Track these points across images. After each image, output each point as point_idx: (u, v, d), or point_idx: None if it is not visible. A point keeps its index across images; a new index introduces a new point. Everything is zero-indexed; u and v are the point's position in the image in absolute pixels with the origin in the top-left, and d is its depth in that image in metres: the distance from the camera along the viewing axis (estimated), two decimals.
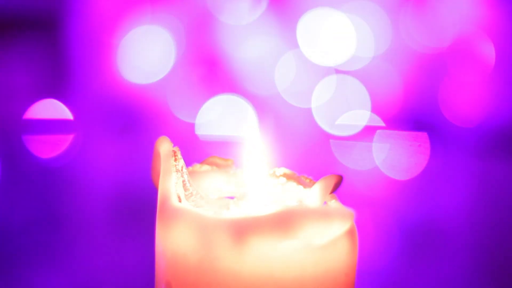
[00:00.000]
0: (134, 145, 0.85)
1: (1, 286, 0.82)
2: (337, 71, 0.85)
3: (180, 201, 0.45)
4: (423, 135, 0.85)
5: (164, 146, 0.46)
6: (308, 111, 0.85)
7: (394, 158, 0.85)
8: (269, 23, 0.85)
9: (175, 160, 0.46)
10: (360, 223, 0.46)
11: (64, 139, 0.84)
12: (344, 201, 0.48)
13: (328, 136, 0.85)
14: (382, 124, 0.85)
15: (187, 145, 0.76)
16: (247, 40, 0.86)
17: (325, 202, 0.48)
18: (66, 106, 0.84)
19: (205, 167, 0.52)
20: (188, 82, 0.86)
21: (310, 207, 0.43)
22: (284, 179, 0.50)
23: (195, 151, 0.82)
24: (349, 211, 0.43)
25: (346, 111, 0.86)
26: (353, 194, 0.82)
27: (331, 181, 0.47)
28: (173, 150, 0.46)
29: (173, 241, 0.43)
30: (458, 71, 0.86)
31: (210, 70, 0.86)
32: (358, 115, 0.86)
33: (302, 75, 0.86)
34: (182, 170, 0.46)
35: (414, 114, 0.86)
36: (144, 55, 0.85)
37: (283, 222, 0.40)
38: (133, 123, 0.86)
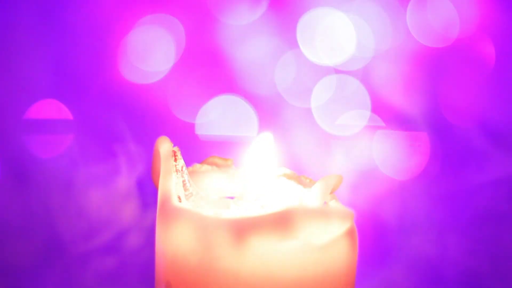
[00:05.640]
0: (134, 145, 0.85)
1: (1, 286, 0.82)
2: (337, 71, 0.85)
3: (180, 201, 0.45)
4: (423, 135, 0.85)
5: (164, 146, 0.46)
6: (308, 111, 0.85)
7: (394, 158, 0.85)
8: (269, 23, 0.85)
9: (175, 160, 0.46)
10: (360, 223, 0.46)
11: (64, 139, 0.84)
12: (344, 201, 0.48)
13: (328, 136, 0.85)
14: (382, 124, 0.85)
15: (187, 145, 0.76)
16: (247, 40, 0.86)
17: (325, 202, 0.48)
18: (66, 106, 0.84)
19: (205, 167, 0.52)
20: (188, 82, 0.86)
21: (310, 207, 0.43)
22: (284, 179, 0.51)
23: (195, 151, 0.82)
24: (349, 211, 0.43)
25: (346, 111, 0.86)
26: (353, 194, 0.82)
27: (331, 181, 0.48)
28: (173, 150, 0.47)
29: (173, 241, 0.43)
30: (458, 71, 0.86)
31: (210, 70, 0.86)
32: (358, 115, 0.86)
33: (302, 75, 0.86)
34: (182, 170, 0.46)
35: (414, 114, 0.86)
36: (144, 55, 0.85)
37: (283, 222, 0.40)
38: (133, 123, 0.86)
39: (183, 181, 0.47)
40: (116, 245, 0.83)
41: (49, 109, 0.84)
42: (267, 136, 0.52)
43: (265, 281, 0.41)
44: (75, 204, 0.84)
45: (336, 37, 0.85)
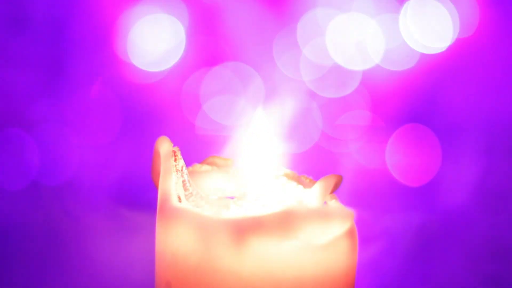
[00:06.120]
0: (134, 145, 0.85)
1: (0, 286, 0.82)
2: (337, 71, 0.85)
3: (180, 201, 0.45)
4: (423, 135, 0.85)
5: (164, 146, 0.46)
6: (308, 111, 0.85)
7: (395, 158, 0.85)
8: (269, 23, 0.85)
9: (175, 160, 0.46)
10: (360, 223, 0.46)
11: (64, 139, 0.84)
12: (344, 201, 0.48)
13: (328, 136, 0.85)
14: (382, 124, 0.85)
15: (187, 145, 0.76)
16: (247, 40, 0.86)
17: (325, 202, 0.48)
18: (66, 106, 0.84)
19: (205, 167, 0.52)
20: (188, 82, 0.86)
21: (310, 207, 0.43)
22: (284, 179, 0.50)
23: (195, 151, 0.82)
24: (349, 211, 0.43)
25: (346, 111, 0.86)
26: (353, 194, 0.82)
27: (331, 181, 0.47)
28: (173, 150, 0.46)
29: (173, 241, 0.43)
30: (458, 71, 0.86)
31: (210, 70, 0.86)
32: (358, 115, 0.86)
33: (302, 75, 0.86)
34: (182, 170, 0.46)
35: (414, 114, 0.86)
36: (144, 55, 0.85)
37: (283, 222, 0.40)
38: (133, 123, 0.86)
39: (183, 181, 0.47)
40: (116, 245, 0.83)
41: (49, 109, 0.84)
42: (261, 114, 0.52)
43: (265, 281, 0.41)
44: (74, 204, 0.84)
45: (336, 37, 0.85)
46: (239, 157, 0.52)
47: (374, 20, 0.85)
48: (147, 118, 0.86)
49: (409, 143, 0.86)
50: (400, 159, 0.85)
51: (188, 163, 0.48)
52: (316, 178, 0.49)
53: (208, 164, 0.52)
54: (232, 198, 0.50)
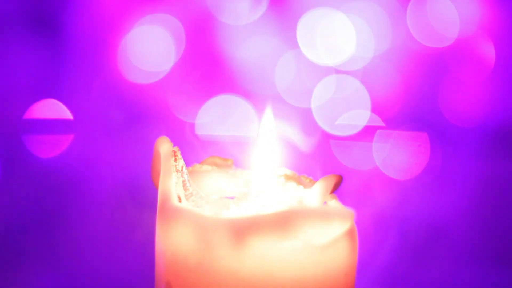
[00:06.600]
0: (134, 145, 0.85)
1: (0, 286, 0.82)
2: (337, 71, 0.85)
3: (180, 201, 0.45)
4: (423, 135, 0.85)
5: (164, 146, 0.46)
6: (308, 111, 0.85)
7: (394, 158, 0.85)
8: (269, 23, 0.85)
9: (175, 160, 0.46)
10: (360, 223, 0.46)
11: (64, 139, 0.84)
12: (344, 201, 0.48)
13: (328, 136, 0.85)
14: (382, 124, 0.85)
15: (187, 145, 0.76)
16: (247, 40, 0.86)
17: (325, 202, 0.48)
18: (66, 106, 0.84)
19: (205, 167, 0.52)
20: (188, 82, 0.86)
21: (310, 207, 0.43)
22: (284, 179, 0.50)
23: (195, 151, 0.82)
24: (349, 211, 0.43)
25: (346, 111, 0.86)
26: (353, 194, 0.82)
27: (331, 181, 0.47)
28: (173, 150, 0.46)
29: (173, 241, 0.43)
30: (458, 71, 0.86)
31: (210, 70, 0.86)
32: (358, 115, 0.86)
33: (302, 75, 0.85)
34: (182, 170, 0.46)
35: (414, 114, 0.86)
36: (144, 55, 0.85)
37: (283, 222, 0.40)
38: (133, 123, 0.86)
39: (183, 181, 0.47)
40: (116, 245, 0.83)
41: (49, 109, 0.84)
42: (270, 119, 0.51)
43: (265, 281, 0.41)
44: (75, 204, 0.84)
45: (336, 37, 0.85)
46: (239, 157, 0.52)
47: (374, 20, 0.85)
48: (147, 118, 0.86)
49: (409, 143, 0.86)
50: (400, 159, 0.85)
51: (188, 163, 0.48)
52: (316, 178, 0.49)
53: (208, 164, 0.52)
54: (232, 198, 0.50)
